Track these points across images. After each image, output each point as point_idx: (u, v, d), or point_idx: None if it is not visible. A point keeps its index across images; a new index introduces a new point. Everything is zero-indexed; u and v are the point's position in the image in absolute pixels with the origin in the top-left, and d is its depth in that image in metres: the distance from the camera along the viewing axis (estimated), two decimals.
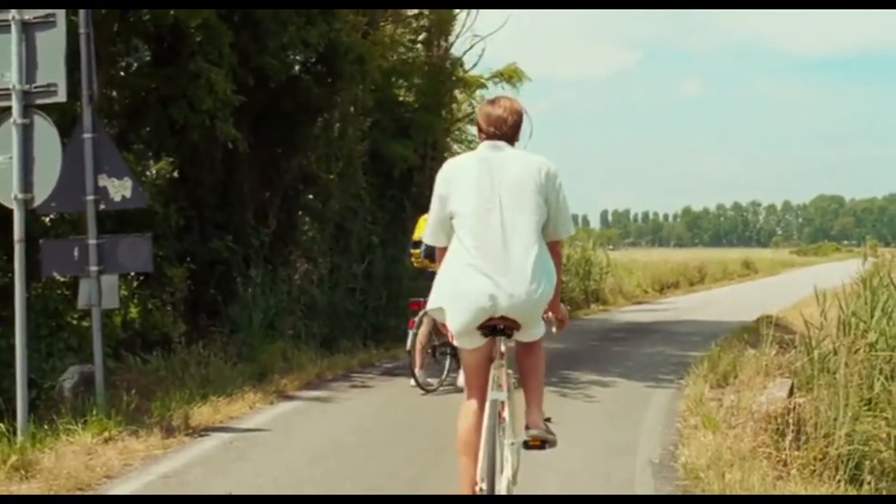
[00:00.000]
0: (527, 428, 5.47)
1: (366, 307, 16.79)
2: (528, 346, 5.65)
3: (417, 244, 11.30)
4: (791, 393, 8.86)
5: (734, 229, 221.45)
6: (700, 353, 13.69)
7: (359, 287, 16.74)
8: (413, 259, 11.73)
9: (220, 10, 13.10)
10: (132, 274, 12.96)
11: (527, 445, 5.45)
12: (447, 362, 11.85)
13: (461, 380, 9.82)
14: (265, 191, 15.52)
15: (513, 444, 5.40)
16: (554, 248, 5.59)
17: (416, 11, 21.11)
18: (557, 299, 5.68)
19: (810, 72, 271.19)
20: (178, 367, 11.57)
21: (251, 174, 14.96)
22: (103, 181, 9.41)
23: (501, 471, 5.30)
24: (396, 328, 16.76)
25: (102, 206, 9.47)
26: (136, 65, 14.30)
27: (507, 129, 5.69)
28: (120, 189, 9.45)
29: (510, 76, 21.80)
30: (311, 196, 17.19)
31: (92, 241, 9.39)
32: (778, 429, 8.35)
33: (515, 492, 5.34)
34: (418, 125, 19.20)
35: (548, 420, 5.60)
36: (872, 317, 10.03)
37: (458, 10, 20.91)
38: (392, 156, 18.32)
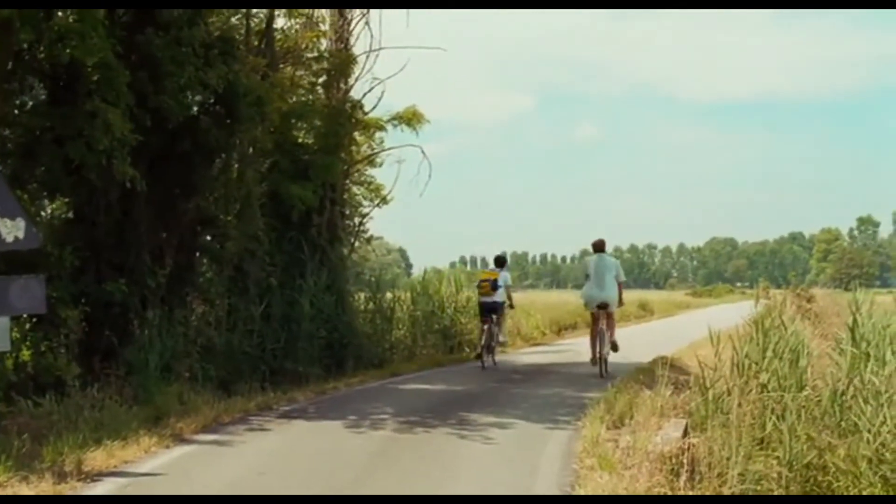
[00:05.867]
0: (611, 340, 18.07)
1: (263, 349, 16.67)
2: (610, 315, 18.17)
3: (485, 281, 20.16)
4: (686, 433, 8.99)
5: (631, 271, 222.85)
6: (597, 395, 13.80)
7: (256, 329, 16.62)
8: (480, 289, 20.31)
9: (117, 50, 13.01)
10: (25, 315, 12.74)
11: (613, 347, 18.04)
12: (494, 353, 20.38)
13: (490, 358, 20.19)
14: (162, 231, 15.37)
15: (612, 344, 18.07)
16: (619, 284, 18.16)
17: (315, 54, 21.18)
18: (621, 298, 18.41)
19: (702, 117, 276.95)
20: (71, 410, 11.36)
21: (148, 215, 14.81)
22: None
23: (601, 350, 17.89)
24: (294, 371, 16.68)
25: None
26: (30, 103, 14.11)
27: (601, 246, 18.54)
28: (12, 230, 9.32)
29: (409, 119, 21.95)
30: (208, 237, 17.09)
31: None
32: (673, 469, 8.45)
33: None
34: (317, 167, 19.18)
35: (615, 346, 18.06)
36: (764, 358, 10.21)
37: (358, 53, 21.05)
38: (291, 197, 18.28)
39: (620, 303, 18.75)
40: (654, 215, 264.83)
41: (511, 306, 21.63)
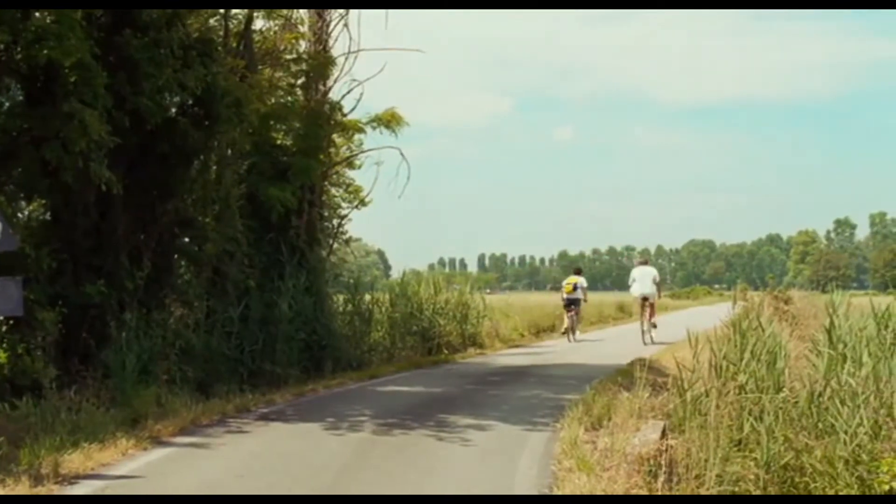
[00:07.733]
0: (651, 322, 27.03)
1: (242, 351, 16.61)
2: (651, 305, 27.01)
3: (569, 284, 29.41)
4: (663, 435, 9.02)
5: (609, 273, 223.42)
6: (575, 396, 13.79)
7: (235, 331, 16.56)
8: (565, 289, 29.45)
9: (95, 51, 12.96)
10: (1, 318, 12.67)
11: (654, 325, 26.98)
12: (575, 333, 29.08)
13: (573, 336, 29.15)
14: (140, 234, 15.30)
15: (652, 324, 26.94)
16: (657, 284, 27.38)
17: (294, 55, 21.15)
18: (660, 292, 28.72)
19: (680, 120, 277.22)
20: (48, 413, 11.31)
21: (126, 217, 14.76)
22: None
23: (646, 327, 26.54)
24: (272, 373, 16.63)
25: None
26: (7, 105, 14.03)
27: (646, 261, 31.46)
28: None
29: (388, 121, 21.92)
30: (187, 239, 17.02)
31: None
32: (651, 470, 8.48)
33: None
34: (296, 169, 19.11)
35: (654, 325, 26.97)
36: (742, 360, 10.24)
37: (336, 55, 21.02)
38: (269, 199, 18.20)
39: (659, 296, 28.43)
40: (632, 217, 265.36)
41: (585, 300, 30.61)
